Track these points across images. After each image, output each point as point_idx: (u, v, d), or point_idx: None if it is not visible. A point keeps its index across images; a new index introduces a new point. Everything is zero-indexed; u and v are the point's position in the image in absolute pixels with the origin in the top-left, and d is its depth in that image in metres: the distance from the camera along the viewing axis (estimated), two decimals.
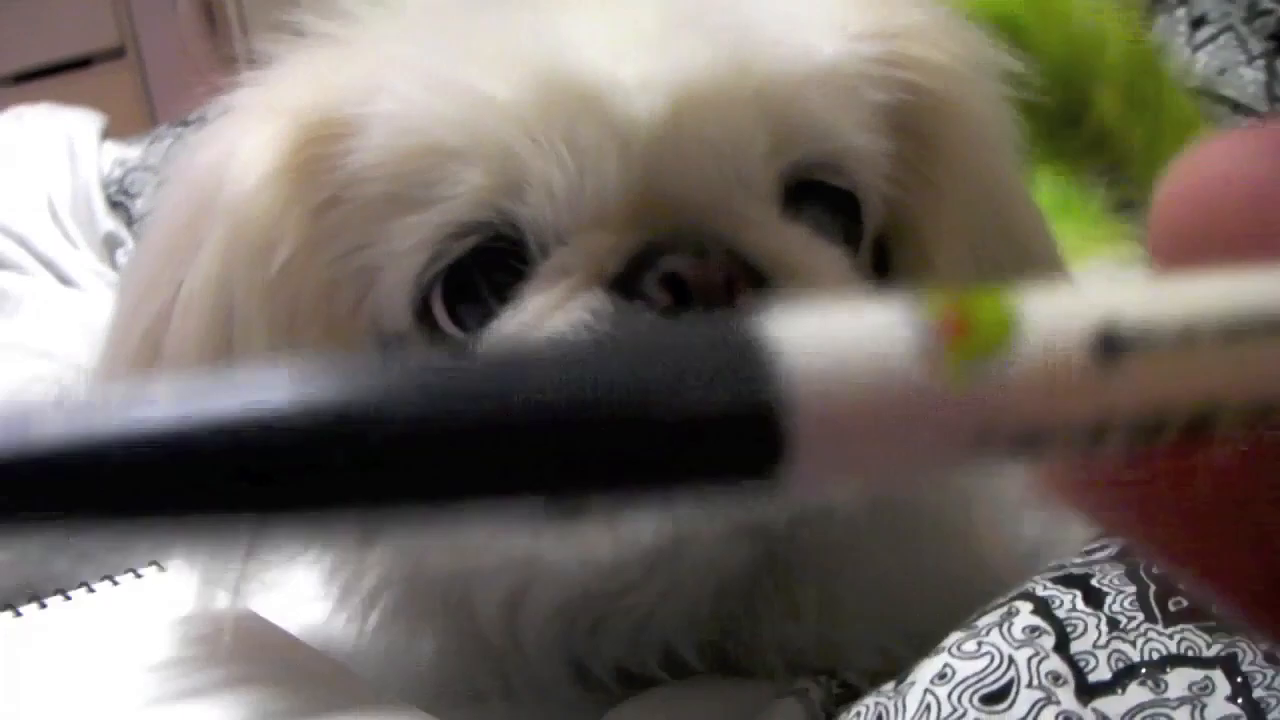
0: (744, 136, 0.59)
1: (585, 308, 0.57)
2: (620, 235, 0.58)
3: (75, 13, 3.23)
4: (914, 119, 0.65)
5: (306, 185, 0.61)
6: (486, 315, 0.60)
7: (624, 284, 0.57)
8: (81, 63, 3.26)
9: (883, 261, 0.67)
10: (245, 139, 0.62)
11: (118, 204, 1.44)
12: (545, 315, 0.57)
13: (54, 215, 1.44)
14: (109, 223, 1.43)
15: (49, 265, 1.41)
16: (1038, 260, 0.69)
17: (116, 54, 3.28)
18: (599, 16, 0.59)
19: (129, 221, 1.42)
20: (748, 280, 0.57)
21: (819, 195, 0.62)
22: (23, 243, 1.42)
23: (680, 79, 0.57)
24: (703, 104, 0.58)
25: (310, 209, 0.61)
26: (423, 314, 0.61)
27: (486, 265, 0.59)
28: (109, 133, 1.57)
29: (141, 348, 0.64)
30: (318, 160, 0.61)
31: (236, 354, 0.61)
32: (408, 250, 0.60)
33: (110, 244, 1.42)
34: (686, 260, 0.56)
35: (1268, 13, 1.26)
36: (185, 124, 1.52)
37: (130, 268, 0.67)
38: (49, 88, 3.21)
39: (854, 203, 0.64)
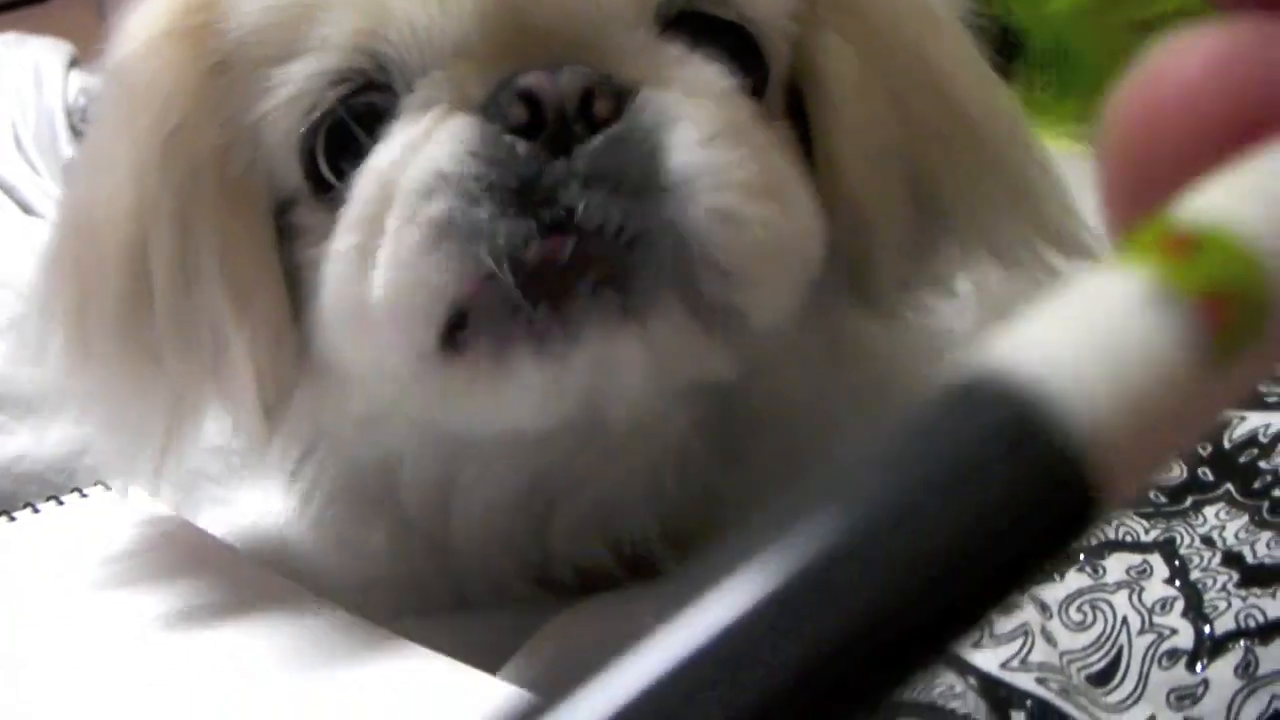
0: None
1: (451, 135, 0.57)
2: (483, 66, 0.58)
3: None
4: None
5: (194, 50, 0.63)
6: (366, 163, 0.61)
7: (486, 111, 0.57)
8: None
9: (797, 109, 0.66)
10: (138, 12, 0.65)
11: (80, 133, 1.43)
12: (414, 147, 0.58)
13: (18, 143, 1.44)
14: (72, 151, 1.42)
15: (9, 192, 1.40)
16: (982, 124, 0.67)
17: None
18: None
19: None
20: (608, 93, 0.57)
21: (709, 33, 0.61)
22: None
23: None
24: None
25: (200, 73, 0.63)
26: (310, 170, 0.62)
27: (365, 117, 0.61)
28: (76, 62, 1.56)
29: (77, 230, 0.68)
30: (204, 26, 0.63)
31: (151, 223, 0.63)
32: (287, 102, 0.61)
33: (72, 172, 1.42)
34: (541, 75, 0.56)
35: None
36: None
37: (80, 152, 0.74)
38: (7, 22, 3.18)
39: (751, 43, 0.62)
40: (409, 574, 0.72)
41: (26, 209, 1.40)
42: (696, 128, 0.57)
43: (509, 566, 0.70)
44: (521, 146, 0.56)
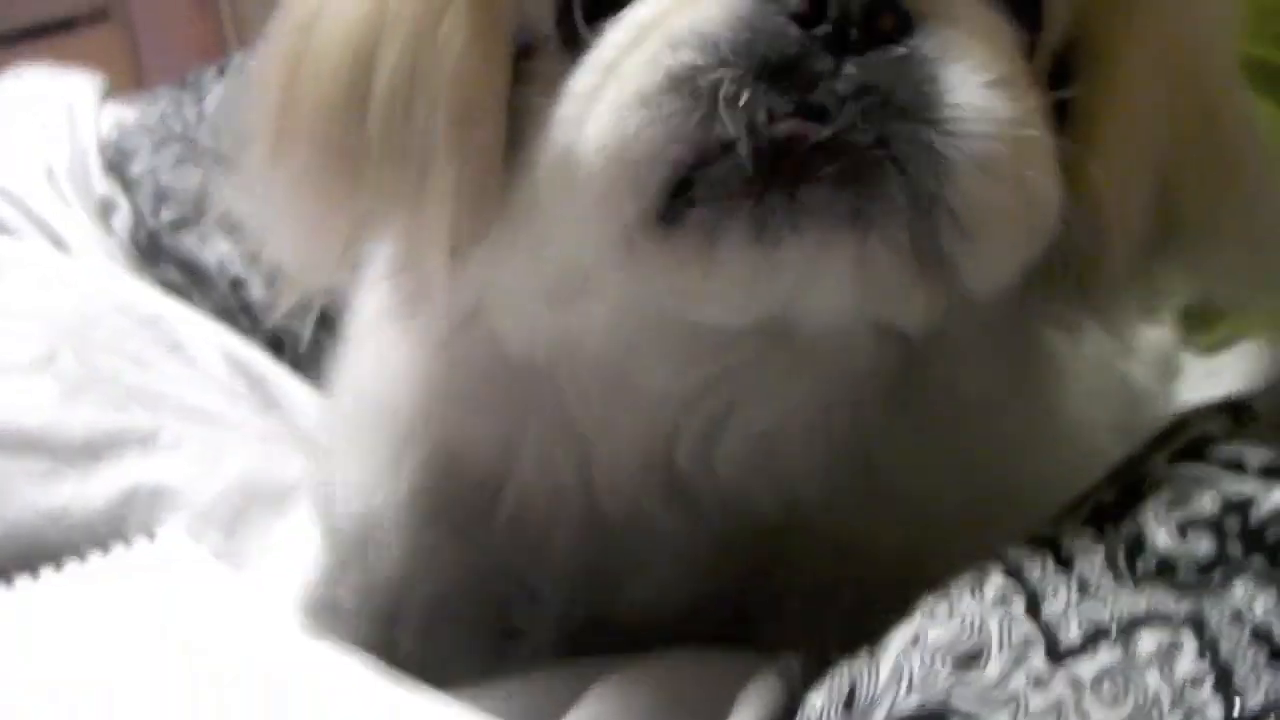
0: None
1: (721, 4, 0.56)
2: None
3: None
4: None
5: None
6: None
7: None
8: (65, 24, 3.24)
9: (1061, 81, 0.64)
10: None
11: (114, 167, 1.45)
12: (677, 5, 0.57)
13: (50, 177, 1.45)
14: (104, 186, 1.44)
15: (43, 228, 1.42)
16: (1240, 149, 0.66)
17: (100, 16, 3.26)
18: None
19: (124, 184, 1.43)
20: (890, 8, 0.55)
21: None
22: (18, 205, 1.44)
23: None
24: None
25: None
26: (563, 14, 0.61)
27: None
28: (109, 94, 1.57)
29: (293, 42, 0.65)
30: None
31: (382, 43, 0.61)
32: None
33: (105, 208, 1.43)
34: None
35: None
36: (183, 86, 1.53)
37: None
38: (35, 49, 3.20)
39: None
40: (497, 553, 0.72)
41: (58, 243, 1.42)
42: (977, 69, 0.56)
43: (654, 488, 0.69)
44: (795, 30, 0.54)
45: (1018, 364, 0.70)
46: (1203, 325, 1.26)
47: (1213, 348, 1.20)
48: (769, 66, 0.54)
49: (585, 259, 0.60)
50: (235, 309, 1.35)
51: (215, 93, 1.47)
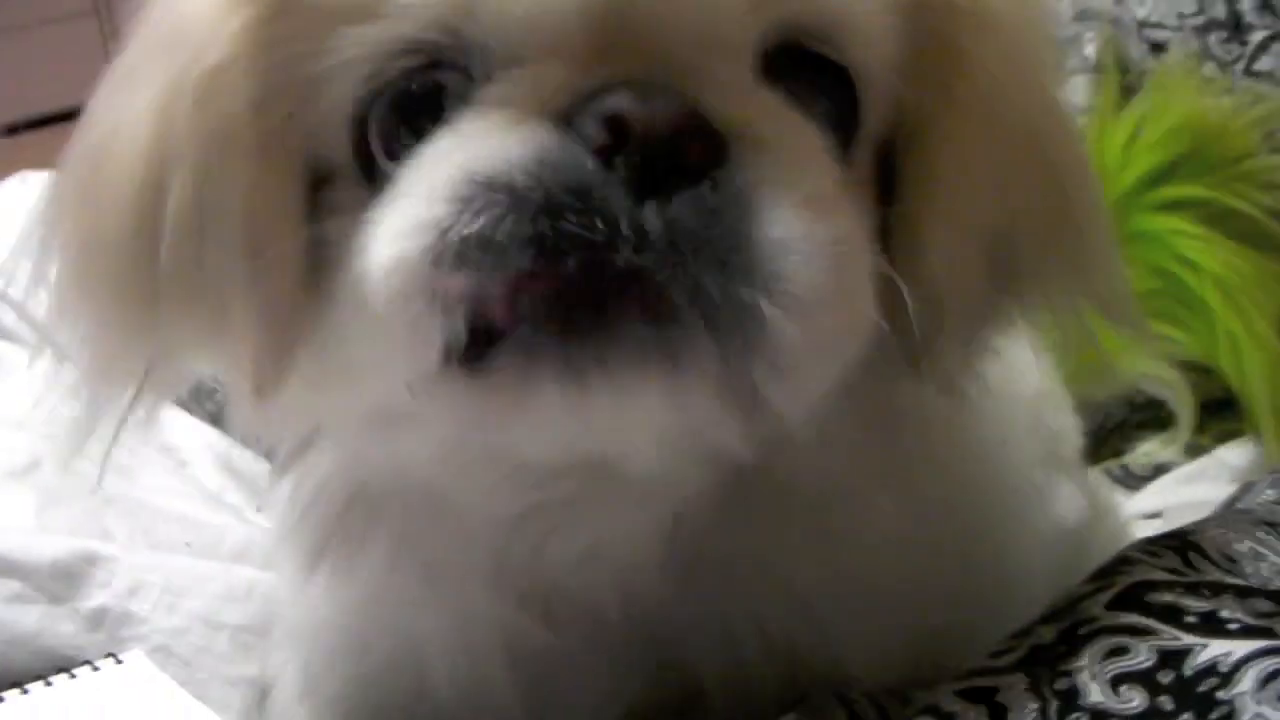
0: None
1: (521, 140, 0.53)
2: (571, 70, 0.54)
3: (69, 66, 3.27)
4: (938, 15, 0.61)
5: None
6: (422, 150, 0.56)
7: (564, 120, 0.53)
8: (74, 113, 3.30)
9: (887, 177, 0.63)
10: None
11: None
12: (479, 141, 0.54)
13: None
14: None
15: (43, 332, 1.44)
16: (1074, 196, 0.65)
17: None
18: None
19: None
20: (699, 138, 0.52)
21: (809, 72, 0.58)
22: (18, 310, 1.46)
23: None
24: None
25: (254, 13, 0.58)
26: (358, 144, 0.59)
27: (430, 95, 0.57)
28: None
29: (90, 161, 0.62)
30: None
31: (168, 172, 0.58)
32: (350, 62, 0.57)
33: None
34: (633, 100, 0.52)
35: None
36: None
37: (100, 85, 0.63)
38: (41, 139, 3.26)
39: (849, 86, 0.59)
40: (393, 612, 0.70)
41: (59, 351, 1.43)
42: (791, 200, 0.53)
43: (507, 595, 0.67)
44: (596, 171, 0.52)
45: (877, 443, 0.66)
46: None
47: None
48: (563, 203, 0.51)
49: (395, 394, 0.58)
50: (227, 414, 1.36)
51: None
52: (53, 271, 0.64)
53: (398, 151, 0.57)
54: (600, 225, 0.51)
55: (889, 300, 0.57)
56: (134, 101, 0.60)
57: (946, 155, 0.61)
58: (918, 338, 0.59)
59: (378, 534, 0.68)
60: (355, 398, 0.61)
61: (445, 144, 0.55)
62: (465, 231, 0.52)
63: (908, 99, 0.61)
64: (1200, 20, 1.53)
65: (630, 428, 0.56)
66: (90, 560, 0.93)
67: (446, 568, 0.67)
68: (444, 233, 0.52)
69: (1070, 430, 1.02)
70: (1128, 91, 1.46)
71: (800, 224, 0.53)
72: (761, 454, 0.61)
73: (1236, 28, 1.52)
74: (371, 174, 0.58)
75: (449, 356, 0.54)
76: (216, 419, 1.37)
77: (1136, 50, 1.52)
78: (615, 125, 0.51)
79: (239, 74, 0.58)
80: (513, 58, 0.55)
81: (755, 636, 0.68)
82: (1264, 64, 1.49)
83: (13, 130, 3.25)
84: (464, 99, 0.56)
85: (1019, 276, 0.64)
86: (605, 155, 0.51)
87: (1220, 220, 1.31)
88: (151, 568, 0.96)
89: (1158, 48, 1.52)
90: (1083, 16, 1.55)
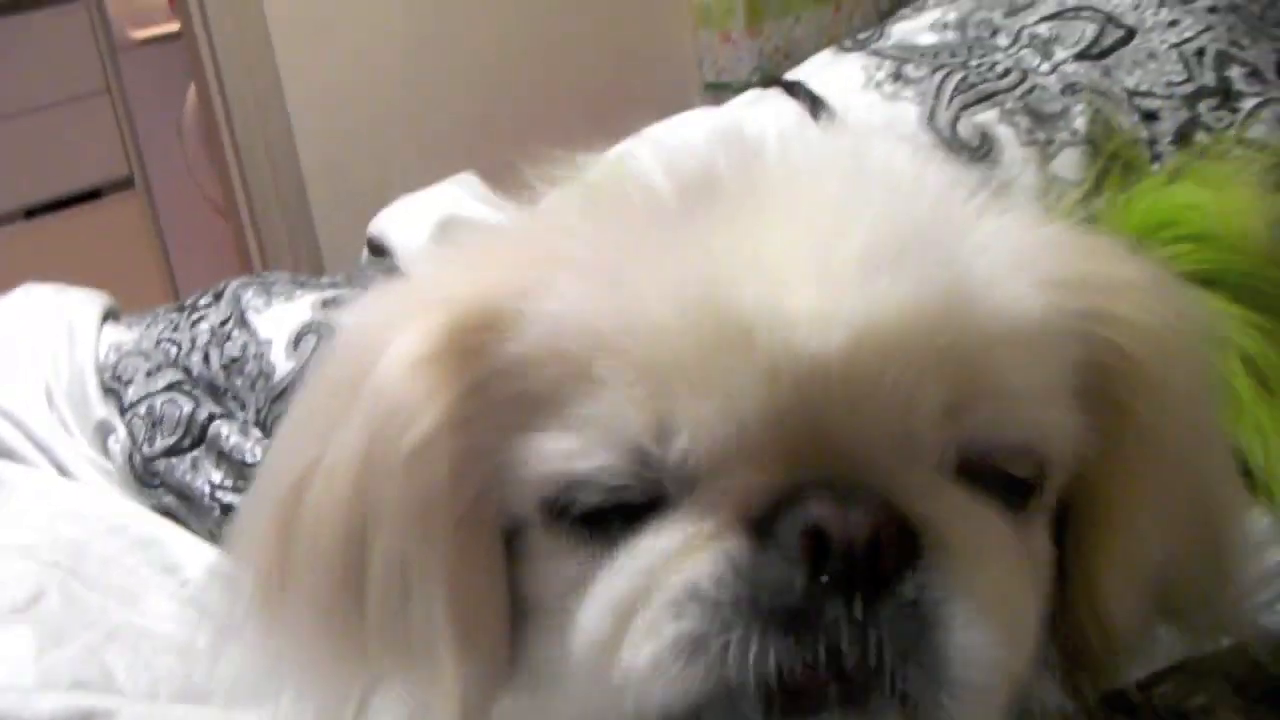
0: (921, 390, 0.55)
1: (722, 553, 0.55)
2: (766, 472, 0.55)
3: (84, 145, 3.32)
4: (1111, 383, 0.62)
5: (454, 372, 0.61)
6: (612, 539, 0.58)
7: (763, 528, 0.55)
8: (93, 194, 3.35)
9: (1060, 522, 0.65)
10: (401, 321, 0.63)
11: (110, 390, 1.50)
12: (681, 556, 0.56)
13: (50, 401, 1.49)
14: (102, 409, 1.48)
15: (46, 452, 1.47)
16: (1230, 533, 0.68)
17: (125, 184, 3.37)
18: (802, 240, 0.57)
19: (121, 408, 1.47)
20: (897, 543, 0.54)
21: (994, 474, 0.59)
22: (21, 427, 1.48)
23: (867, 317, 0.54)
24: (883, 347, 0.54)
25: (457, 393, 0.61)
26: (549, 512, 0.60)
27: (623, 507, 0.58)
28: (111, 315, 1.62)
29: (284, 505, 0.65)
30: (468, 350, 0.61)
31: (371, 530, 0.61)
32: (539, 475, 0.59)
33: (102, 431, 1.47)
34: (831, 508, 0.54)
35: None
36: (181, 308, 1.58)
37: (284, 424, 0.69)
38: (61, 220, 3.31)
39: (1035, 486, 0.61)
40: None
41: (61, 469, 1.46)
42: (975, 609, 0.55)
43: None
44: (800, 580, 0.54)
45: None
46: None
47: None
48: (777, 617, 0.54)
49: None
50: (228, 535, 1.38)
51: (210, 318, 1.52)
52: (244, 603, 0.67)
53: (592, 539, 0.59)
54: (820, 638, 0.53)
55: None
56: (329, 454, 0.63)
57: (1119, 507, 0.63)
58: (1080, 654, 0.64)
59: None
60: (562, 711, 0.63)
61: (649, 551, 0.57)
62: (679, 656, 0.54)
63: (1083, 462, 0.62)
64: (1190, 88, 1.53)
65: None
66: (87, 717, 0.95)
67: None
68: (658, 660, 0.55)
69: None
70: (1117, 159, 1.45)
71: (985, 630, 0.55)
72: None
73: (1227, 95, 1.52)
74: (566, 529, 0.60)
75: None
76: (216, 538, 1.39)
77: (1128, 120, 1.53)
78: (816, 536, 0.53)
79: (441, 450, 0.60)
80: (706, 473, 0.56)
81: None
82: (1256, 131, 1.48)
83: (30, 214, 3.29)
84: (660, 499, 0.57)
85: (1172, 608, 0.67)
86: (809, 564, 0.53)
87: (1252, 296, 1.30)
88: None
89: (1150, 116, 1.52)
90: (1070, 90, 1.55)
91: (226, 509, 1.39)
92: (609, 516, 0.58)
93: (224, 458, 1.40)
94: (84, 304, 1.62)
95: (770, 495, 0.55)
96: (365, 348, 0.63)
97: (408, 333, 0.62)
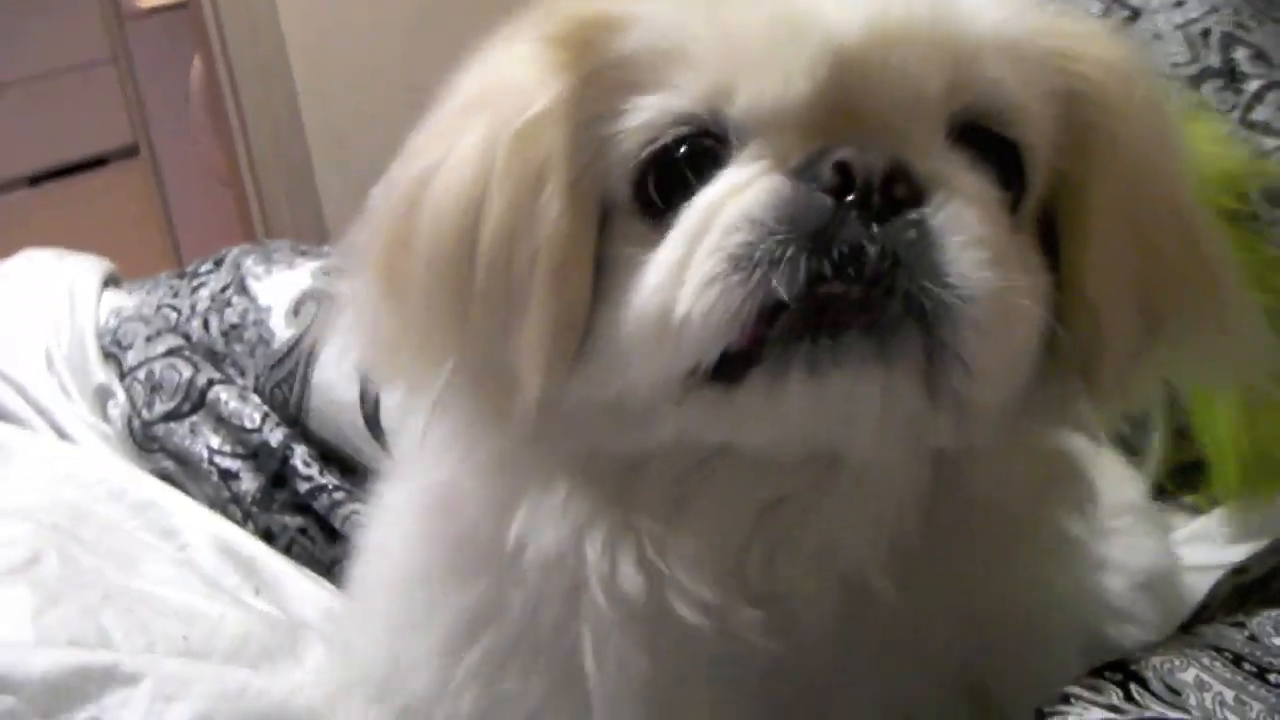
0: (923, 71, 0.69)
1: (767, 188, 0.68)
2: (805, 136, 0.69)
3: (89, 113, 3.32)
4: (1082, 105, 0.74)
5: (574, 57, 0.73)
6: (689, 195, 0.70)
7: (801, 172, 0.68)
8: (97, 162, 3.35)
9: (1049, 240, 0.76)
10: (523, 33, 0.75)
11: (110, 355, 1.50)
12: (733, 190, 0.68)
13: (50, 365, 1.51)
14: (101, 374, 1.49)
15: (45, 415, 1.47)
16: (1211, 260, 0.77)
17: (130, 152, 3.37)
18: None
19: (121, 373, 1.48)
20: (904, 181, 0.67)
21: (986, 146, 0.71)
22: (21, 392, 1.49)
23: (876, 17, 0.69)
24: (890, 39, 0.69)
25: (572, 79, 0.72)
26: (639, 190, 0.72)
27: (695, 157, 0.71)
28: (113, 280, 1.63)
29: (407, 198, 0.75)
30: (590, 40, 0.73)
31: (488, 203, 0.72)
32: (636, 128, 0.71)
33: (102, 395, 1.48)
34: (855, 153, 0.67)
35: None
36: (182, 275, 1.58)
37: (412, 135, 0.79)
38: (65, 188, 3.31)
39: (1018, 159, 0.73)
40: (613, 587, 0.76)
41: (60, 432, 1.46)
42: (974, 245, 0.67)
43: (728, 589, 0.75)
44: (827, 201, 0.66)
45: (1041, 479, 0.80)
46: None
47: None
48: (808, 235, 0.66)
49: (657, 397, 0.71)
50: (226, 500, 1.39)
51: (210, 285, 1.52)
52: (369, 277, 0.77)
53: (671, 198, 0.71)
54: (845, 250, 0.65)
55: (1055, 339, 0.72)
56: (458, 143, 0.74)
57: (1096, 209, 0.74)
58: (1088, 360, 0.74)
59: (600, 527, 0.76)
60: (614, 395, 0.73)
61: (711, 193, 0.69)
62: (733, 272, 0.66)
63: (1065, 171, 0.75)
64: (1194, 69, 1.52)
65: (856, 415, 0.68)
66: (83, 674, 0.95)
67: (687, 566, 0.75)
68: (714, 276, 0.67)
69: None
70: None
71: (980, 252, 0.67)
72: (960, 460, 0.74)
73: (1232, 76, 1.51)
74: (648, 212, 0.72)
75: (705, 376, 0.68)
76: (214, 502, 1.39)
77: None
78: (842, 170, 0.66)
79: (555, 125, 0.72)
80: (759, 130, 0.69)
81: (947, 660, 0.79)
82: (1260, 114, 1.48)
83: (35, 181, 3.29)
84: (721, 161, 0.70)
85: (1165, 323, 0.77)
86: (836, 194, 0.66)
87: None
88: (141, 676, 0.98)
89: None
90: None
91: (225, 474, 1.39)
92: (685, 181, 0.70)
93: (222, 423, 1.41)
94: (85, 269, 1.63)
95: (808, 149, 0.68)
96: (492, 64, 0.76)
97: (528, 26, 0.75)
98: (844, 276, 0.65)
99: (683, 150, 0.71)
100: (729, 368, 0.68)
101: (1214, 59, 1.51)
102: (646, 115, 0.71)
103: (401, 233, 0.75)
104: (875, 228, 0.66)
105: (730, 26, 0.71)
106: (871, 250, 0.65)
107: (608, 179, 0.73)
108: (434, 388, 0.78)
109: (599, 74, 0.73)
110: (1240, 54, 1.51)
